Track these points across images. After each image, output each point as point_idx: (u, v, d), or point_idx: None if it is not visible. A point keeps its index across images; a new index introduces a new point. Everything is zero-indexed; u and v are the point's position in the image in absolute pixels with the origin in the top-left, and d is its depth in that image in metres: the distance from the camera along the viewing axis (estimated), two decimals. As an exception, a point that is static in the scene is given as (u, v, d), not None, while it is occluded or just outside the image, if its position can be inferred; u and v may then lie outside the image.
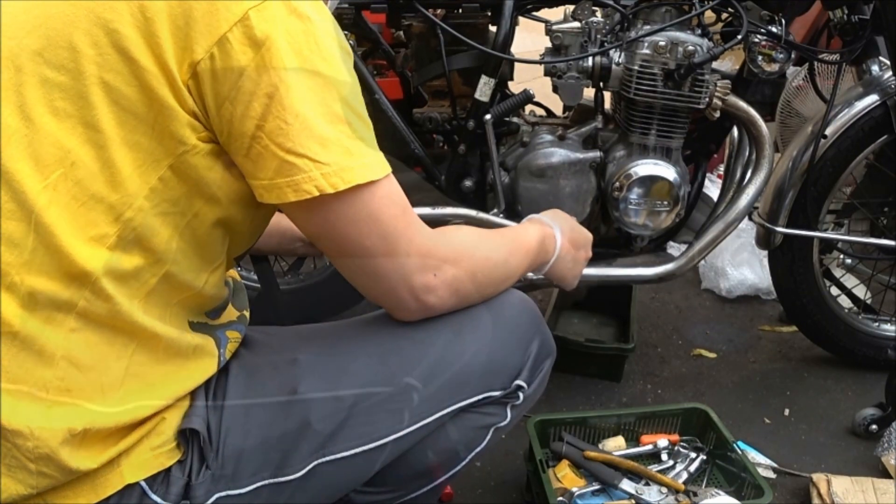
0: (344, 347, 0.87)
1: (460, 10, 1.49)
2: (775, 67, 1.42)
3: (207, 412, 0.79)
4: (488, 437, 0.92)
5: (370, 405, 0.82)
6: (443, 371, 0.86)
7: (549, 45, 1.46)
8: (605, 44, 1.44)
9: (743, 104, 1.46)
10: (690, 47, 1.36)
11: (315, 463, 0.80)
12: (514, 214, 1.57)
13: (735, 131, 1.58)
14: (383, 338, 0.87)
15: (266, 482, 0.79)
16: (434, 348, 0.87)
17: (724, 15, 1.49)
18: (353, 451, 0.81)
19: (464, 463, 0.92)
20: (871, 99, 1.50)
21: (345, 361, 0.85)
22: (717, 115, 1.44)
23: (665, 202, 1.49)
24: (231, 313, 0.87)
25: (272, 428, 0.79)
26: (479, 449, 0.92)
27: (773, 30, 1.40)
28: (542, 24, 1.51)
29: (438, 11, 1.52)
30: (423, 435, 0.86)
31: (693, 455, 1.39)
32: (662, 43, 1.38)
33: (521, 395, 0.92)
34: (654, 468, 1.35)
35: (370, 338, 0.88)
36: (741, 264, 2.13)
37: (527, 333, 0.94)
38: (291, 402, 0.80)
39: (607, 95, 1.55)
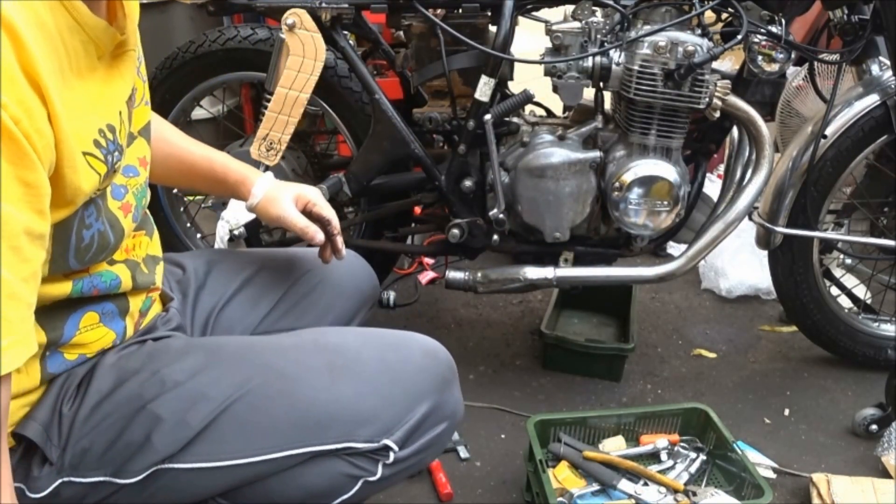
0: (212, 371, 0.85)
1: (460, 10, 1.49)
2: (775, 67, 1.42)
3: (55, 410, 0.80)
4: (357, 488, 0.86)
5: (219, 429, 0.81)
6: (303, 411, 0.83)
7: (549, 45, 1.46)
8: (605, 44, 1.44)
9: (743, 104, 1.46)
10: (690, 47, 1.36)
11: (154, 469, 0.81)
12: (515, 214, 1.57)
13: (735, 131, 1.58)
14: (253, 366, 0.85)
15: (106, 479, 0.81)
16: (301, 386, 0.84)
17: (724, 15, 1.49)
18: (192, 466, 0.81)
19: None
20: (871, 99, 1.50)
21: (206, 385, 0.83)
22: (717, 115, 1.44)
23: (665, 202, 1.49)
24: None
25: (118, 434, 0.80)
26: (345, 497, 0.86)
27: (773, 30, 1.40)
28: (542, 24, 1.51)
29: (438, 11, 1.52)
30: (277, 467, 0.83)
31: (693, 455, 1.39)
32: (662, 43, 1.37)
33: (391, 454, 0.85)
34: (653, 468, 1.35)
35: (240, 363, 0.86)
36: (741, 264, 2.13)
37: (417, 393, 0.88)
38: (141, 416, 0.81)
39: (607, 95, 1.55)
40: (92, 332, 0.85)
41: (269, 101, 1.48)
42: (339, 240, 1.10)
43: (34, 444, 0.80)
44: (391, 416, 0.85)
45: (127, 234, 0.85)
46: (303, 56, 1.45)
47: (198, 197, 2.01)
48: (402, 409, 0.86)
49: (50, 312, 0.79)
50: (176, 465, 0.81)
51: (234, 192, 1.11)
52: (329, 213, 1.09)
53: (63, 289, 0.78)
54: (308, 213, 1.08)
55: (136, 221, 0.88)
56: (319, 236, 1.06)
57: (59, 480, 0.80)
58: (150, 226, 0.97)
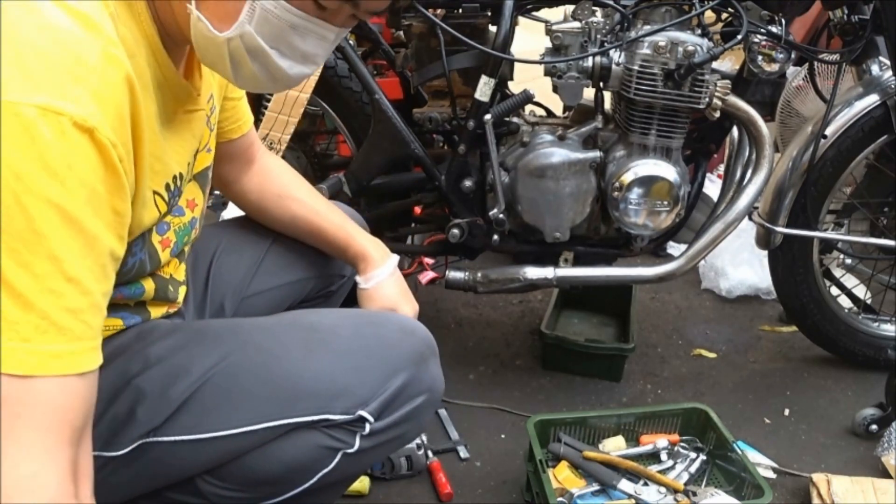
0: (193, 347, 0.88)
1: (460, 10, 1.49)
2: (775, 67, 1.42)
3: None
4: (336, 461, 0.88)
5: (200, 401, 0.84)
6: (279, 384, 0.86)
7: (549, 45, 1.46)
8: (605, 44, 1.44)
9: (743, 104, 1.46)
10: (690, 47, 1.36)
11: (140, 442, 0.83)
12: (515, 214, 1.57)
13: (735, 131, 1.58)
14: (233, 340, 0.89)
15: (95, 453, 0.81)
16: (277, 360, 0.87)
17: (724, 15, 1.49)
18: (176, 438, 0.83)
19: (312, 482, 0.89)
20: (871, 99, 1.50)
21: (188, 361, 0.86)
22: (717, 115, 1.44)
23: (665, 202, 1.49)
24: None
25: (105, 408, 0.82)
26: (326, 470, 0.88)
27: (773, 30, 1.40)
28: (542, 24, 1.51)
29: (438, 11, 1.52)
30: (257, 440, 0.85)
31: (693, 455, 1.39)
32: (662, 43, 1.37)
33: (367, 426, 0.87)
34: (653, 468, 1.35)
35: (221, 340, 0.89)
36: (741, 264, 2.13)
37: (392, 365, 0.90)
38: (125, 389, 0.84)
39: (607, 95, 1.55)
40: (105, 332, 0.86)
41: (268, 101, 1.49)
42: None
43: None
44: (366, 388, 0.87)
45: (162, 265, 0.90)
46: (303, 56, 1.45)
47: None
48: (377, 381, 0.88)
49: None
50: (161, 439, 0.83)
51: (349, 263, 1.16)
52: None
53: None
54: None
55: (174, 256, 0.92)
56: None
57: None
58: (183, 256, 0.99)
